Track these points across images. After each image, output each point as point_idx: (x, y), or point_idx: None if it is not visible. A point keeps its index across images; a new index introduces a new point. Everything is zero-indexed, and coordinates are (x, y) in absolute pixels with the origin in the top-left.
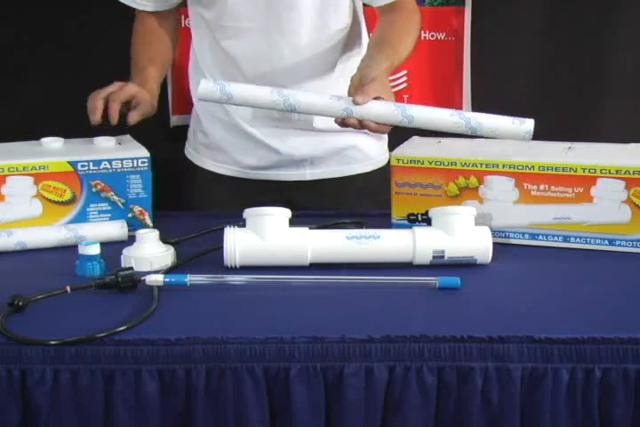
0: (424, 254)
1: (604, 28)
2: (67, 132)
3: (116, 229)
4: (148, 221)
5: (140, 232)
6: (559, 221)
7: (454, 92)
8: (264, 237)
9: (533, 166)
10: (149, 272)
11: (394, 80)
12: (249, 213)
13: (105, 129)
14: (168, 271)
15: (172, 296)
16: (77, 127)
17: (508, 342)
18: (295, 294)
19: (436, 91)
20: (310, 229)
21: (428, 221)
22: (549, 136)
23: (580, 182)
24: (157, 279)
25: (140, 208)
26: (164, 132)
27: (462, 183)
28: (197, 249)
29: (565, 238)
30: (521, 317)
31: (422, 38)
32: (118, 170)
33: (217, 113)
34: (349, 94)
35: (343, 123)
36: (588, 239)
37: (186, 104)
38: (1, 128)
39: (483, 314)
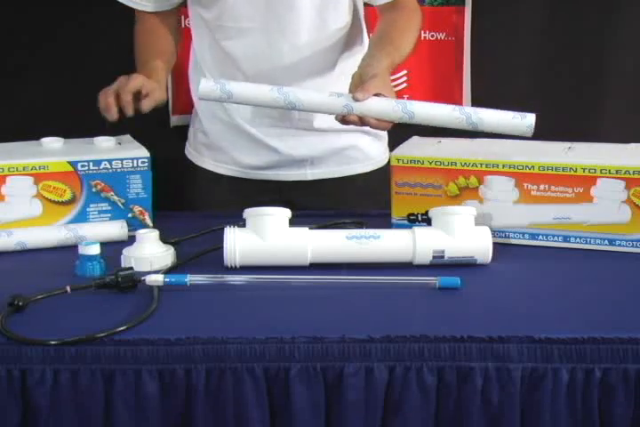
0: (424, 254)
1: (604, 28)
2: (67, 132)
3: (116, 229)
4: (148, 221)
5: (140, 232)
6: (559, 221)
7: (454, 92)
8: (264, 237)
9: (533, 166)
10: (149, 272)
11: (394, 80)
12: (249, 213)
13: (108, 128)
14: (168, 271)
15: (172, 296)
16: (77, 127)
17: (507, 342)
18: (295, 294)
19: (436, 91)
20: (310, 229)
21: (428, 221)
22: (549, 136)
23: (580, 182)
24: (157, 279)
25: (140, 208)
26: (163, 132)
27: (462, 183)
28: (197, 249)
29: (565, 238)
30: (521, 317)
31: (422, 38)
32: (118, 170)
33: (217, 113)
34: (350, 92)
35: (344, 120)
36: (588, 239)
37: (186, 104)
38: (1, 128)
39: (483, 314)
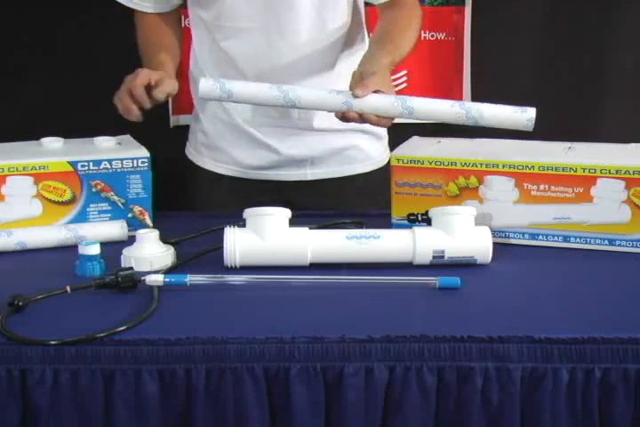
0: (424, 254)
1: (604, 26)
2: (67, 132)
3: (116, 229)
4: (148, 221)
5: (140, 232)
6: (559, 221)
7: (454, 91)
8: (264, 237)
9: (533, 166)
10: (149, 272)
11: (394, 80)
12: (249, 213)
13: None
14: (168, 271)
15: (172, 296)
16: (77, 127)
17: (507, 342)
18: (295, 294)
19: (436, 91)
20: (310, 229)
21: (428, 221)
22: (549, 136)
23: (580, 182)
24: (157, 279)
25: (140, 208)
26: (163, 132)
27: (462, 183)
28: (197, 249)
29: (565, 238)
30: (521, 317)
31: (422, 38)
32: (118, 170)
33: (217, 113)
34: (351, 90)
35: (344, 117)
36: (588, 239)
37: (186, 104)
38: (1, 128)
39: (483, 314)
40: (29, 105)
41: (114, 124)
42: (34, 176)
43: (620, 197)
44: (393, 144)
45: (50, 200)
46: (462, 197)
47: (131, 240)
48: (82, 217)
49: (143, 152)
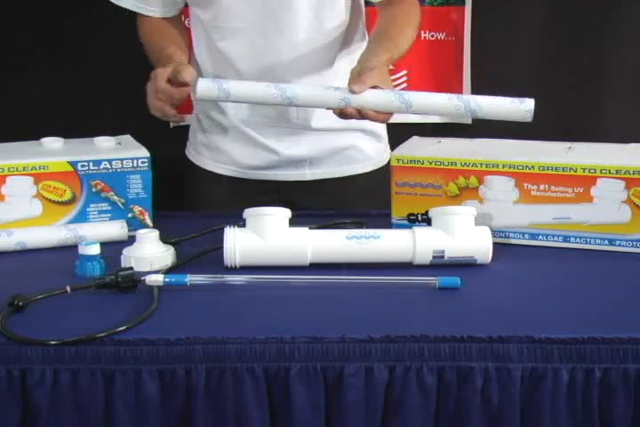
0: (424, 254)
1: (604, 26)
2: (67, 132)
3: (116, 229)
4: (148, 221)
5: (140, 232)
6: (559, 221)
7: (454, 91)
8: (264, 237)
9: (533, 166)
10: (149, 272)
11: (394, 80)
12: (249, 213)
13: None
14: (168, 271)
15: (172, 296)
16: (77, 127)
17: (507, 342)
18: (295, 294)
19: (437, 90)
20: (310, 229)
21: (428, 221)
22: (549, 135)
23: (580, 182)
24: (157, 279)
25: (140, 208)
26: (163, 132)
27: (462, 183)
28: (197, 249)
29: (565, 238)
30: (521, 317)
31: (422, 38)
32: (118, 170)
33: (215, 114)
34: (349, 86)
35: (342, 113)
36: (588, 239)
37: (186, 104)
38: (1, 128)
39: (483, 314)
40: (29, 105)
41: (114, 125)
42: (34, 176)
43: (620, 197)
44: (393, 144)
45: (50, 200)
46: (462, 197)
47: (131, 240)
48: (82, 217)
49: (143, 152)
